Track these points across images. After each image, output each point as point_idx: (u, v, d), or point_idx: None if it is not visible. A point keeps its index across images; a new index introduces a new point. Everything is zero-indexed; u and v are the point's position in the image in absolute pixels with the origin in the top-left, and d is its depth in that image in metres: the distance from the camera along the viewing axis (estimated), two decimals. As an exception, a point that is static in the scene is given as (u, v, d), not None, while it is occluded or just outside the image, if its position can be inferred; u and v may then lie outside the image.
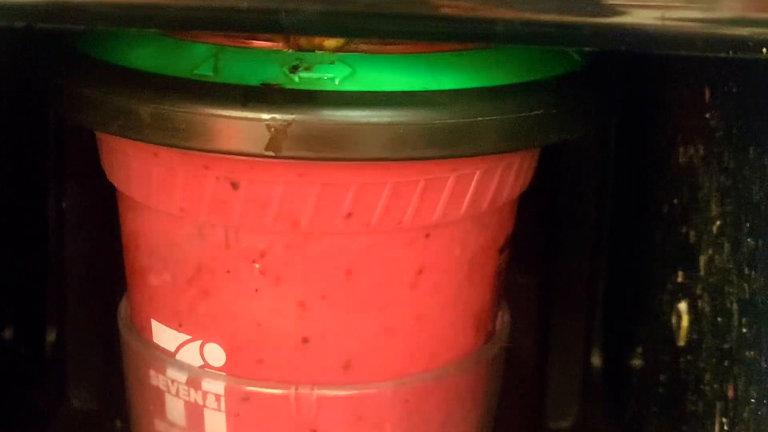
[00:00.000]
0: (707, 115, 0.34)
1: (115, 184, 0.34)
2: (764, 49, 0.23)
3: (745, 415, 0.31)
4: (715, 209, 0.33)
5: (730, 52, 0.23)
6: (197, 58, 0.30)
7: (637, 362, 0.41)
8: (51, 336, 0.46)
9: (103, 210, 0.38)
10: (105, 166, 0.34)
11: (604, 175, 0.43)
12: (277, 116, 0.28)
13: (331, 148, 0.29)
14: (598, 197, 0.44)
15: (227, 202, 0.31)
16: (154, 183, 0.32)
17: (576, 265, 0.44)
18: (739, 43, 0.23)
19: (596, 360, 0.45)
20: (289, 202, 0.31)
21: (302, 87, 0.29)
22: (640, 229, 0.41)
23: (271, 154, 0.29)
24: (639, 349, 0.41)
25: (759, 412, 0.30)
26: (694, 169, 0.35)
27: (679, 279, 0.36)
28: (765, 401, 0.29)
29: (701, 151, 0.35)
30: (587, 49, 0.30)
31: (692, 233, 0.35)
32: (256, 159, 0.30)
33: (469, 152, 0.30)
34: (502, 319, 0.38)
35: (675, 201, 0.37)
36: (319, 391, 0.33)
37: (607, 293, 0.45)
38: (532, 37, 0.24)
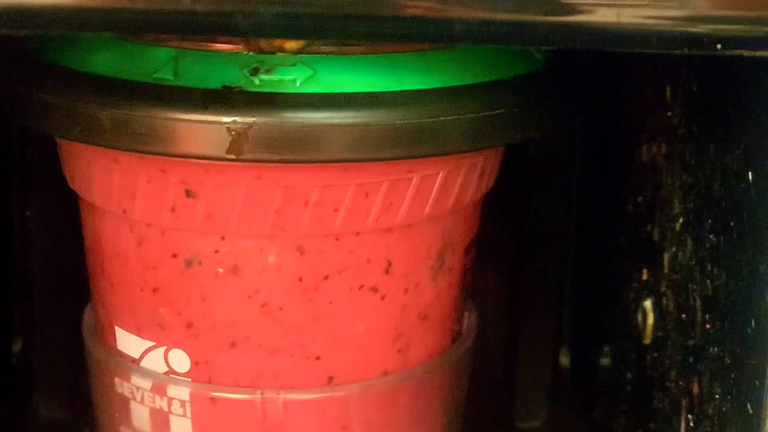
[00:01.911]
0: (669, 114, 0.34)
1: (76, 190, 0.34)
2: (718, 45, 0.23)
3: (710, 411, 0.31)
4: (677, 206, 0.33)
5: (685, 49, 0.23)
6: (157, 61, 0.30)
7: (605, 361, 0.41)
8: (17, 346, 0.45)
9: (69, 218, 0.38)
10: (66, 173, 0.34)
11: (571, 175, 0.44)
12: (238, 119, 0.28)
13: (292, 150, 0.29)
14: (564, 197, 0.44)
15: (187, 207, 0.31)
16: (115, 189, 0.32)
17: (544, 265, 0.44)
18: (694, 40, 0.23)
19: (565, 359, 0.46)
20: (251, 206, 0.30)
21: (263, 89, 0.29)
22: (607, 227, 0.41)
23: (232, 157, 0.28)
24: (607, 348, 0.41)
25: (723, 408, 0.30)
26: (657, 167, 0.35)
27: (644, 277, 0.36)
28: (729, 397, 0.29)
29: (664, 149, 0.35)
30: (545, 48, 0.30)
31: (656, 231, 0.35)
32: (217, 163, 0.30)
33: (432, 152, 0.30)
34: (469, 319, 0.38)
35: (639, 199, 0.37)
36: (285, 395, 0.33)
37: (574, 293, 0.45)
38: (489, 36, 0.24)
